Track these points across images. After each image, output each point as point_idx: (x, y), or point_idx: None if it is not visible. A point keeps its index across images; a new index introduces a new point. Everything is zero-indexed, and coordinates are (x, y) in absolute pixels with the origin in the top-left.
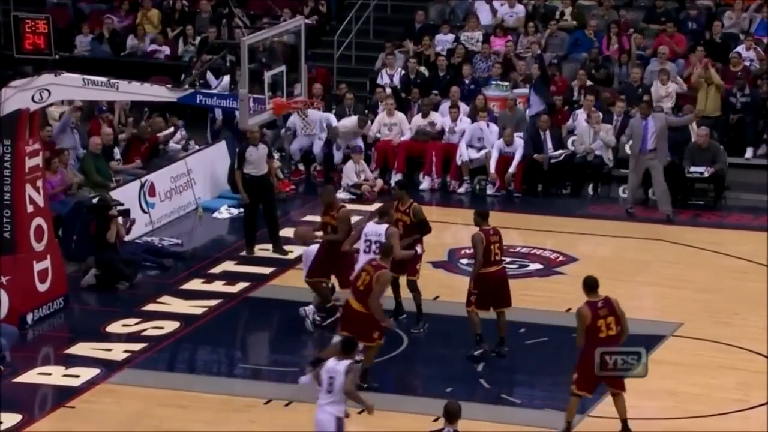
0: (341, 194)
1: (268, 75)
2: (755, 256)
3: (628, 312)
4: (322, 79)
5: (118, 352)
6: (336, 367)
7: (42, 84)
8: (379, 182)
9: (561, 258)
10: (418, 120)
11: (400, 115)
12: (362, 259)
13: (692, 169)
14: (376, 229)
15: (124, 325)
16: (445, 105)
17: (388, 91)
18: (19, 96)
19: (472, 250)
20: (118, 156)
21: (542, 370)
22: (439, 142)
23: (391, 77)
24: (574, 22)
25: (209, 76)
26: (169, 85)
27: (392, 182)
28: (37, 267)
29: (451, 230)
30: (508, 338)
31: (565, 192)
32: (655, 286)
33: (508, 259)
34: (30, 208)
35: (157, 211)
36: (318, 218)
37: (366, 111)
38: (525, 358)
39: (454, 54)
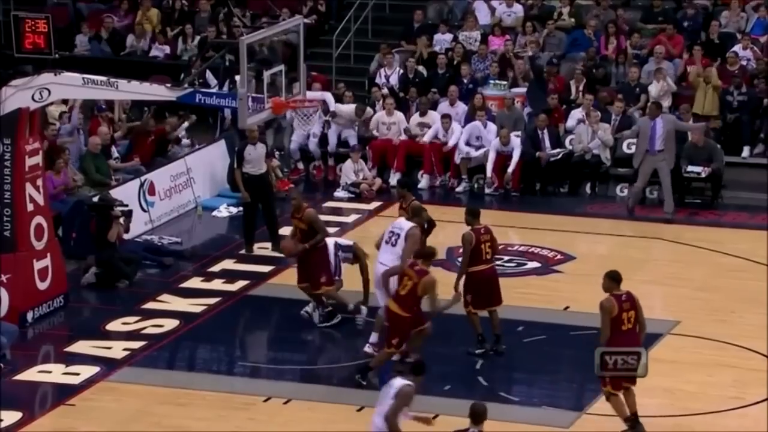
0: (340, 193)
1: (267, 74)
2: (752, 254)
3: None
4: (323, 86)
5: (117, 350)
6: (393, 382)
7: (42, 83)
8: (378, 181)
9: (559, 256)
10: (416, 119)
11: (399, 115)
12: (383, 250)
13: (689, 168)
14: (402, 224)
15: (123, 323)
16: (444, 103)
17: (385, 90)
18: (20, 95)
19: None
20: (116, 155)
21: (540, 367)
22: (437, 142)
23: (388, 77)
24: (572, 20)
25: (208, 75)
26: (169, 84)
27: (391, 181)
28: (38, 265)
29: (449, 229)
30: (507, 336)
31: (563, 191)
32: (652, 284)
33: (506, 258)
34: (30, 207)
35: (157, 210)
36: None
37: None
38: (523, 355)
39: (453, 52)
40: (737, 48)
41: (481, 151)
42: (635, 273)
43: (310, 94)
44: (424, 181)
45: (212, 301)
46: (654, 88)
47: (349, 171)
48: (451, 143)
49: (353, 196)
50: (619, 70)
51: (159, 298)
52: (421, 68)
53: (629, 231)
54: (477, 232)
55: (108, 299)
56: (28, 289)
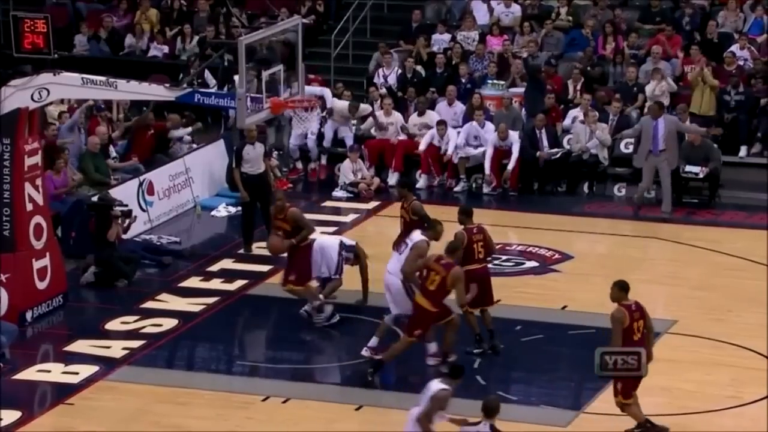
0: (338, 192)
1: (266, 74)
2: (750, 253)
3: None
4: (321, 86)
5: (117, 349)
6: (430, 385)
7: (41, 83)
8: (376, 180)
9: (557, 256)
10: (414, 119)
11: (397, 115)
12: (392, 258)
13: (687, 168)
14: (414, 237)
15: (123, 323)
16: (442, 103)
17: (383, 91)
18: (19, 95)
19: None
20: (114, 154)
21: (538, 367)
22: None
23: (386, 77)
24: (569, 18)
25: (207, 75)
26: (167, 84)
27: (390, 181)
28: (37, 265)
29: (447, 228)
30: (504, 336)
31: (561, 190)
32: (650, 283)
33: (503, 257)
34: (29, 207)
35: (156, 210)
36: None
37: None
38: (521, 355)
39: (451, 52)
40: (734, 48)
41: (480, 150)
42: (633, 272)
43: (308, 89)
44: (422, 181)
45: (211, 300)
46: (649, 88)
47: (348, 171)
48: (449, 152)
49: (351, 195)
50: (617, 70)
51: (158, 297)
52: (419, 68)
53: (627, 230)
54: (469, 231)
55: (107, 298)
56: (27, 289)
